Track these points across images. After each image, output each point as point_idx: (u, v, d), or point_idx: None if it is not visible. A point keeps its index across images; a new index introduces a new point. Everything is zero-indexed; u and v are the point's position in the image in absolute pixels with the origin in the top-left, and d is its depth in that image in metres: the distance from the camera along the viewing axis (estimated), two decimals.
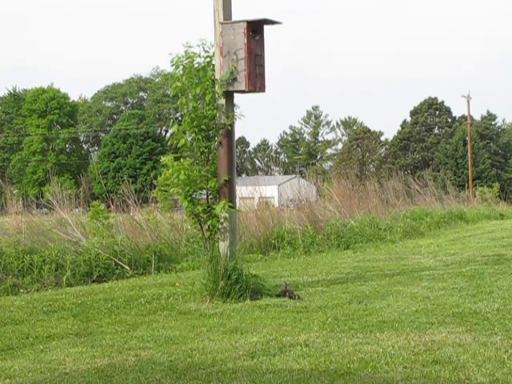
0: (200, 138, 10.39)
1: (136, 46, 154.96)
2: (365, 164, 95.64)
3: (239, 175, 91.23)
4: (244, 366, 6.25)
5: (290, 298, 9.85)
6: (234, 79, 10.19)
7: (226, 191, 10.35)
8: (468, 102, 66.45)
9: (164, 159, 10.57)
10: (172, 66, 10.52)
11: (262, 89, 10.42)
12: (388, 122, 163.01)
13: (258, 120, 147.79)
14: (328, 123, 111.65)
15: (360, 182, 30.60)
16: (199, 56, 10.47)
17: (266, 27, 10.46)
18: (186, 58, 10.44)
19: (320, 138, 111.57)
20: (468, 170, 68.29)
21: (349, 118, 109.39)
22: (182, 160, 10.52)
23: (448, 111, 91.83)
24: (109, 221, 16.55)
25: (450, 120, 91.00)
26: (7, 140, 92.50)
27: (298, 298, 9.86)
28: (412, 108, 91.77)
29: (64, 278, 13.10)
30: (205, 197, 10.58)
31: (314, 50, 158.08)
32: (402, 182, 32.24)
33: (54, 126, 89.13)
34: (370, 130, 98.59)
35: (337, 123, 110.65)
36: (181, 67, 10.45)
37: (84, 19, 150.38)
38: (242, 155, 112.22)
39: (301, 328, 7.79)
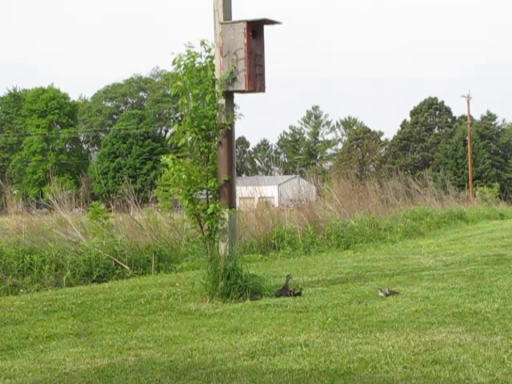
0: (200, 137, 10.39)
1: (136, 45, 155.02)
2: (365, 164, 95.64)
3: (239, 175, 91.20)
4: (244, 366, 6.25)
5: (289, 293, 9.96)
6: (234, 79, 10.20)
7: (226, 191, 10.35)
8: (468, 102, 66.51)
9: (165, 159, 10.57)
10: (174, 65, 10.52)
11: (261, 89, 10.43)
12: (388, 122, 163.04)
13: (258, 120, 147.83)
14: (328, 123, 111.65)
15: (360, 182, 30.58)
16: (200, 56, 10.48)
17: (265, 27, 10.47)
18: (188, 58, 10.44)
19: (320, 138, 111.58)
20: (468, 170, 68.30)
21: (349, 118, 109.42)
22: (182, 160, 10.52)
23: (448, 111, 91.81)
24: (109, 221, 16.54)
25: (449, 120, 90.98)
26: (7, 140, 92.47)
27: (299, 293, 9.96)
28: (412, 108, 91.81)
29: (64, 278, 13.10)
30: (205, 197, 10.59)
31: (314, 50, 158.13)
32: (402, 182, 32.22)
33: (54, 126, 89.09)
34: (370, 130, 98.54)
35: (337, 123, 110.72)
36: (182, 67, 10.46)
37: (84, 19, 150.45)
38: (241, 155, 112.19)
39: (301, 328, 7.79)
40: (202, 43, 10.44)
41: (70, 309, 9.76)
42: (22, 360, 6.92)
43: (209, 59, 10.51)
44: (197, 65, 10.47)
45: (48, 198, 17.70)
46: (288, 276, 10.39)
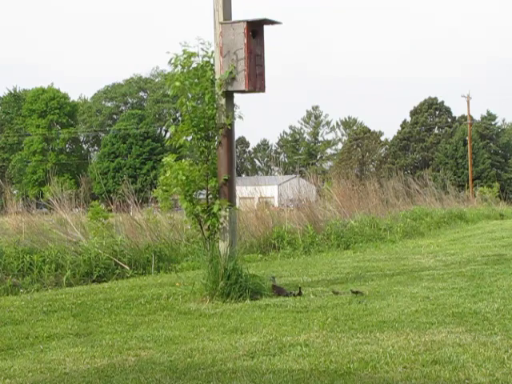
0: (199, 137, 10.39)
1: (136, 45, 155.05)
2: (365, 164, 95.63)
3: (239, 175, 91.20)
4: (244, 366, 6.24)
5: (290, 294, 9.95)
6: (234, 79, 10.19)
7: (226, 191, 10.34)
8: (468, 102, 66.54)
9: (165, 159, 10.57)
10: (170, 64, 10.49)
11: (261, 89, 10.42)
12: (388, 122, 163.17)
13: (258, 120, 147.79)
14: (328, 123, 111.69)
15: (360, 182, 30.58)
16: (197, 55, 10.45)
17: (265, 27, 10.46)
18: (185, 58, 10.41)
19: (320, 138, 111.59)
20: (468, 170, 68.31)
21: (349, 117, 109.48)
22: (182, 160, 10.52)
23: (448, 111, 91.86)
24: (109, 221, 16.54)
25: (449, 120, 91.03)
26: (7, 140, 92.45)
27: (299, 294, 9.95)
28: (412, 108, 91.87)
29: (64, 278, 13.10)
30: (204, 197, 10.58)
31: (314, 50, 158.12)
32: (402, 182, 32.22)
33: (54, 126, 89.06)
34: (369, 130, 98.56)
35: (337, 123, 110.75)
36: (179, 67, 10.43)
37: (84, 19, 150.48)
38: (241, 155, 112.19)
39: (301, 328, 7.79)
40: (199, 43, 10.41)
41: (69, 309, 9.75)
42: (22, 360, 6.91)
43: (206, 58, 10.48)
44: (195, 64, 10.45)
45: (48, 198, 17.69)
46: (271, 277, 10.42)
